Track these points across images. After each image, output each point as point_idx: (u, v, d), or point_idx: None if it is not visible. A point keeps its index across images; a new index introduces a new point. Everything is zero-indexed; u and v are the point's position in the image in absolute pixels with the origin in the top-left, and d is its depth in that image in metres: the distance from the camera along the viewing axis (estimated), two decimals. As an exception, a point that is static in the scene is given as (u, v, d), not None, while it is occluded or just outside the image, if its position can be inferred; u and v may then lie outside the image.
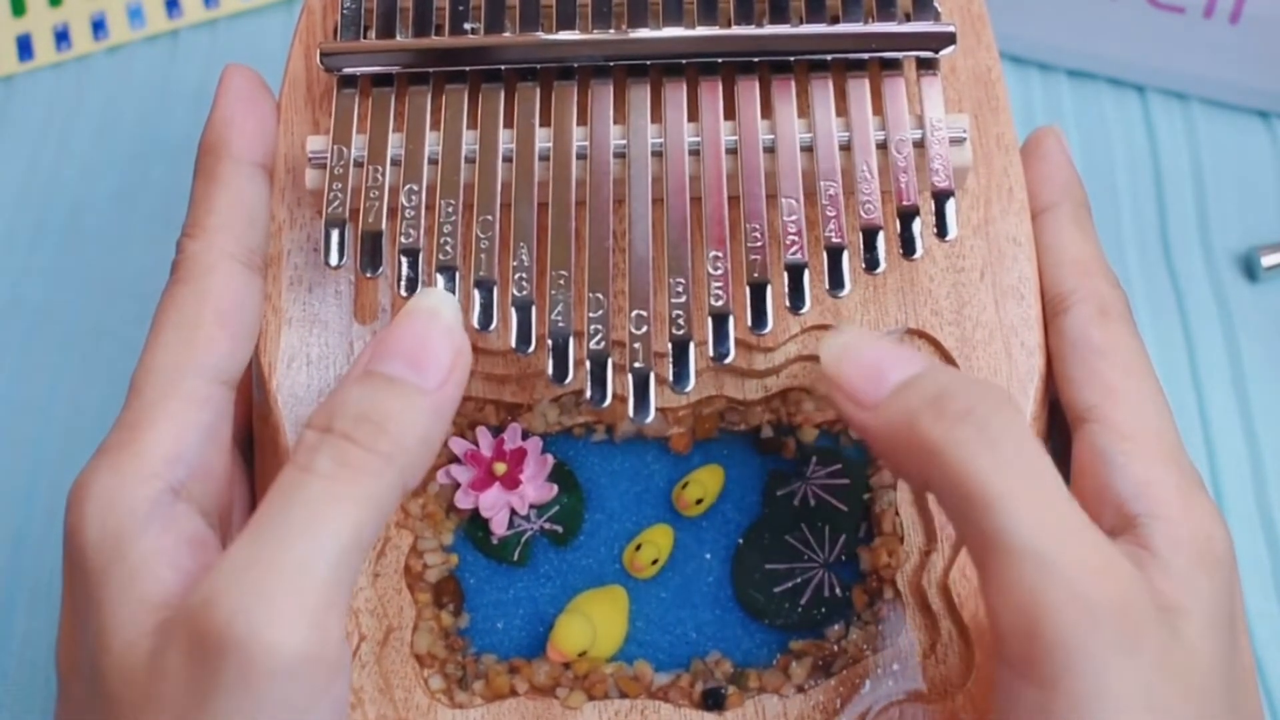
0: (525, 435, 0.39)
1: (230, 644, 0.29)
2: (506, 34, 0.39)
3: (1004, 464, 0.31)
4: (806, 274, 0.36)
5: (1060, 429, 0.38)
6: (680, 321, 0.36)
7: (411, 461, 0.33)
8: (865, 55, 0.39)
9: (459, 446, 0.39)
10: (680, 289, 0.36)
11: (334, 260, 0.37)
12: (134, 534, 0.33)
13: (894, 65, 0.39)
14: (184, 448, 0.34)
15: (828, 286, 0.37)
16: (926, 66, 0.39)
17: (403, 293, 0.36)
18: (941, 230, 0.37)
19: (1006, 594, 0.30)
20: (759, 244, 0.37)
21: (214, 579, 0.30)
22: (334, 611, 0.30)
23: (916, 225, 0.37)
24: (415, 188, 0.37)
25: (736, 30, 0.39)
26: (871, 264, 0.37)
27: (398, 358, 0.33)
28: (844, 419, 0.35)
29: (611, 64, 0.39)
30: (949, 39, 0.39)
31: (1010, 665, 0.30)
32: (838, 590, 0.38)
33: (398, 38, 0.40)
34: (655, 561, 0.39)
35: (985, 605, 0.31)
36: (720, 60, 0.39)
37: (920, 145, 0.38)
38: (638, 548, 0.39)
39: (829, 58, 0.39)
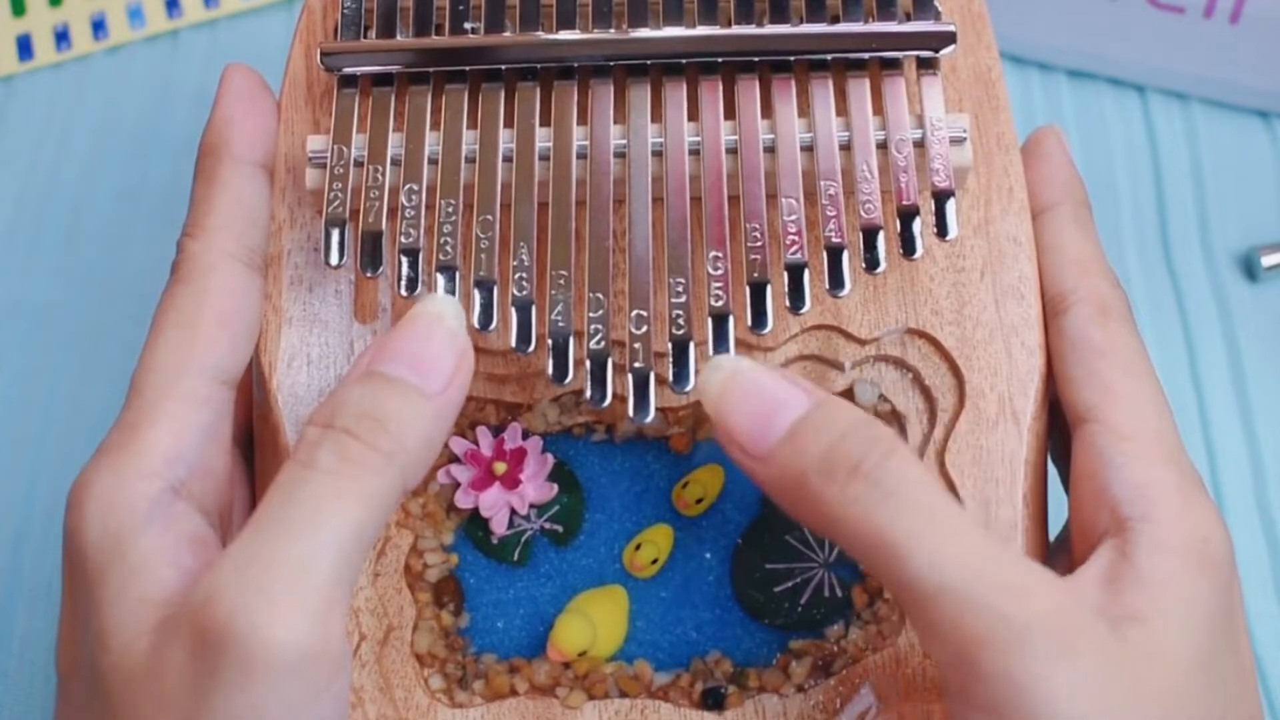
0: (525, 435, 0.39)
1: (231, 640, 0.29)
2: (507, 34, 0.39)
3: (901, 513, 0.31)
4: (806, 274, 0.36)
5: (1060, 429, 0.38)
6: (680, 321, 0.36)
7: (413, 461, 0.33)
8: (865, 55, 0.39)
9: (459, 446, 0.39)
10: (680, 289, 0.36)
11: (334, 260, 0.37)
12: (134, 533, 0.33)
13: (894, 65, 0.39)
14: (184, 447, 0.34)
15: (828, 286, 0.37)
16: (927, 66, 0.39)
17: (403, 293, 0.36)
18: (942, 230, 0.37)
19: (934, 633, 0.31)
20: (759, 244, 0.37)
21: (215, 575, 0.30)
22: (335, 608, 0.30)
23: (917, 225, 0.37)
24: (415, 187, 0.37)
25: (737, 30, 0.39)
26: (872, 264, 0.37)
27: (400, 360, 0.33)
28: (734, 462, 0.34)
29: (612, 63, 0.39)
30: (949, 38, 0.39)
31: (955, 696, 0.31)
32: (838, 590, 0.38)
33: (398, 37, 0.40)
34: (655, 561, 0.39)
35: (921, 645, 0.32)
36: (720, 60, 0.39)
37: (920, 145, 0.38)
38: (638, 547, 0.39)
39: (829, 57, 0.39)
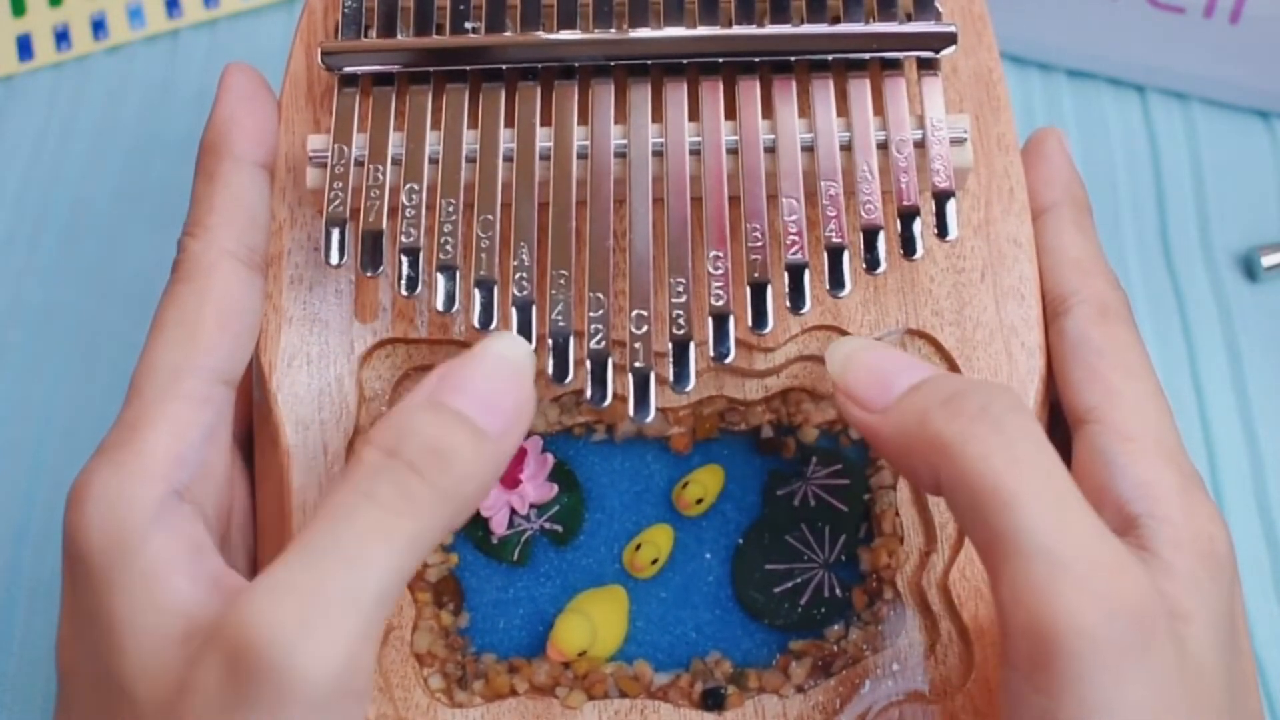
0: (526, 435, 0.39)
1: (268, 668, 0.29)
2: (507, 33, 0.39)
3: (1019, 463, 0.30)
4: (807, 274, 0.36)
5: (1060, 430, 0.38)
6: (681, 321, 0.36)
7: (465, 505, 0.32)
8: (866, 55, 0.39)
9: (459, 446, 0.39)
10: (681, 289, 0.36)
11: (334, 259, 0.37)
12: (141, 536, 0.32)
13: (895, 65, 0.39)
14: (185, 448, 0.34)
15: (828, 286, 0.37)
16: (927, 67, 0.39)
17: (403, 292, 0.36)
18: (942, 230, 0.37)
19: (1017, 595, 0.29)
20: (759, 244, 0.37)
21: (258, 597, 0.29)
22: (370, 644, 0.30)
23: (917, 225, 0.37)
24: (416, 187, 0.37)
25: (737, 30, 0.39)
26: (872, 264, 0.37)
27: (469, 396, 0.32)
28: (852, 425, 0.34)
29: (612, 64, 0.39)
30: (950, 39, 0.39)
31: (1017, 669, 0.30)
32: (838, 590, 0.38)
33: (399, 37, 0.40)
34: (655, 561, 0.39)
35: (996, 606, 0.31)
36: (721, 60, 0.39)
37: (921, 145, 0.38)
38: (638, 547, 0.39)
39: (830, 58, 0.39)
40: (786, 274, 0.36)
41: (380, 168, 0.38)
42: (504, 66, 0.39)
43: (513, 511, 0.39)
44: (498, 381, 0.33)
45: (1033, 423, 0.31)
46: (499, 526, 0.39)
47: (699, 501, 0.39)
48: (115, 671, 0.32)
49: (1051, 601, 0.29)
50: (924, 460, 0.32)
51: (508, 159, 0.38)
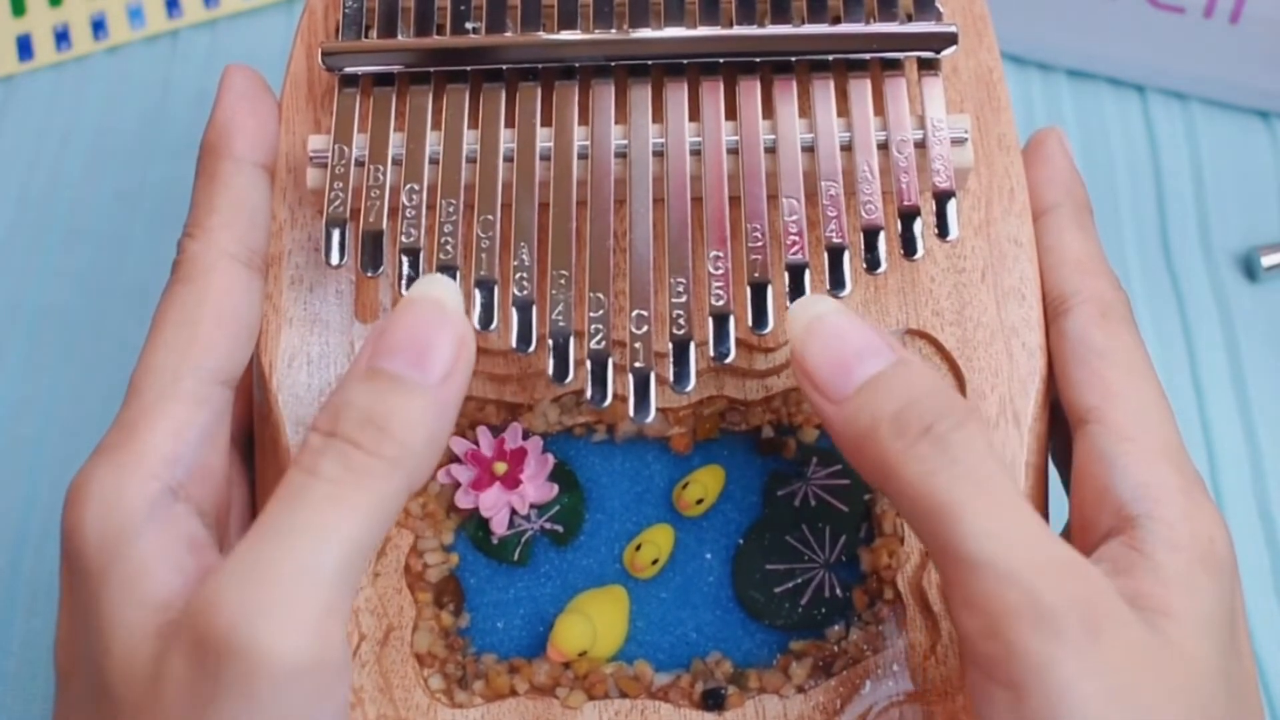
0: (526, 435, 0.39)
1: (233, 650, 0.29)
2: (508, 34, 0.39)
3: (962, 479, 0.31)
4: (807, 274, 0.36)
5: (1061, 430, 0.38)
6: (681, 321, 0.36)
7: (418, 463, 0.32)
8: (867, 55, 0.39)
9: (459, 446, 0.39)
10: (681, 289, 0.36)
11: (335, 259, 0.37)
12: (133, 534, 0.33)
13: (895, 65, 0.39)
14: (183, 448, 0.34)
15: (828, 286, 0.37)
16: (928, 67, 0.39)
17: (404, 292, 0.36)
18: (942, 231, 0.37)
19: (967, 602, 0.31)
20: (760, 244, 0.37)
21: (217, 584, 0.30)
22: (337, 617, 0.30)
23: (918, 225, 0.37)
24: (416, 187, 0.37)
25: (738, 30, 0.39)
26: (872, 264, 0.37)
27: (400, 353, 0.33)
28: (806, 399, 0.35)
29: (613, 64, 0.39)
30: (950, 39, 0.39)
31: (979, 667, 0.31)
32: (838, 591, 0.38)
33: (399, 37, 0.40)
34: (655, 561, 0.39)
35: (950, 612, 0.32)
36: (721, 60, 0.39)
37: (921, 145, 0.38)
38: (638, 548, 0.39)
39: (830, 58, 0.39)
40: (787, 274, 0.36)
41: (381, 168, 0.38)
42: (504, 67, 0.39)
43: (513, 512, 0.39)
44: (428, 329, 0.33)
45: (980, 435, 0.32)
46: (499, 527, 0.39)
47: (699, 502, 0.39)
48: (103, 669, 0.32)
49: (997, 606, 0.30)
50: (871, 468, 0.33)
51: (508, 159, 0.38)
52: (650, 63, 0.39)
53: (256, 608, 0.29)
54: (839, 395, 0.33)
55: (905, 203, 0.37)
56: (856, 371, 0.33)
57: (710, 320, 0.36)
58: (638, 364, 0.36)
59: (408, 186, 0.37)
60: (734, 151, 0.38)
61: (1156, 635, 0.31)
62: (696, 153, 0.38)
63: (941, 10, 0.39)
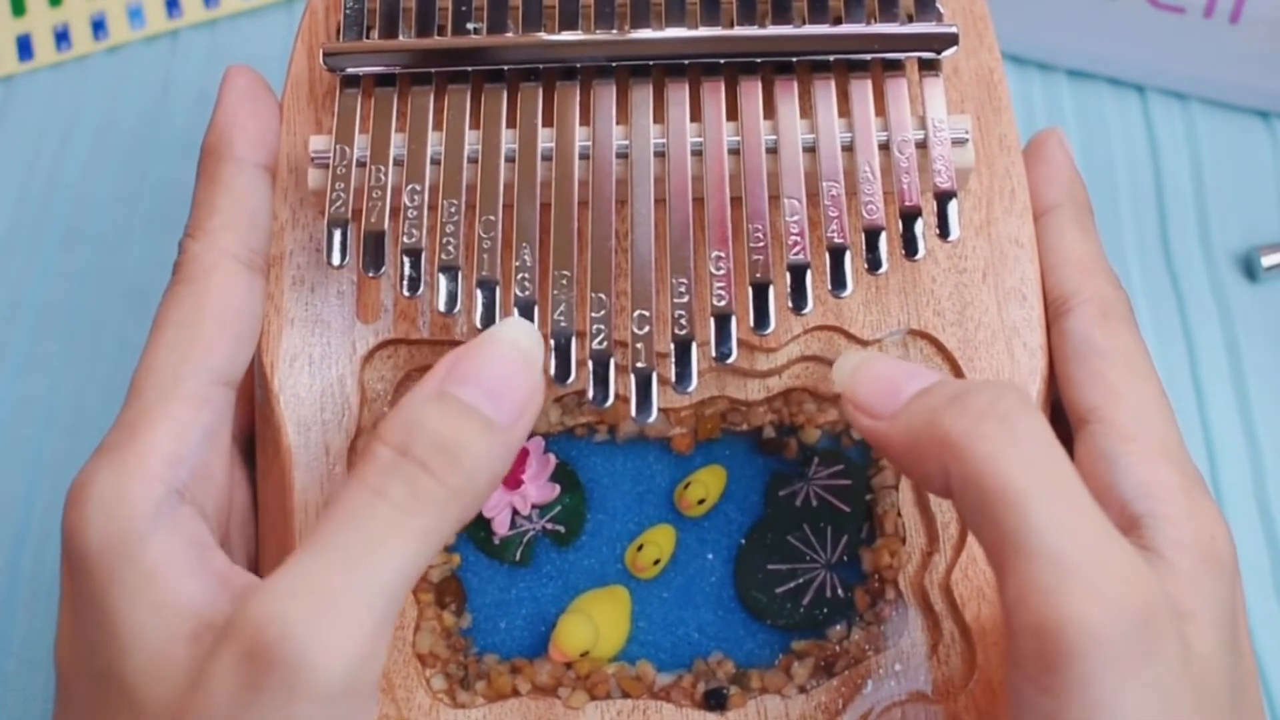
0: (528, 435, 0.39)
1: (281, 663, 0.29)
2: (509, 34, 0.39)
3: (1028, 462, 0.30)
4: (809, 274, 0.36)
5: (1062, 430, 0.38)
6: (682, 321, 0.36)
7: (476, 500, 0.32)
8: (868, 56, 0.39)
9: (461, 447, 0.39)
10: (682, 289, 0.36)
11: (336, 260, 0.37)
12: (140, 536, 0.33)
13: (896, 66, 0.39)
14: (185, 448, 0.34)
15: (830, 287, 0.37)
16: (929, 67, 0.39)
17: (405, 292, 0.36)
18: (944, 231, 0.37)
19: (1024, 596, 0.29)
20: (761, 244, 0.37)
21: (272, 595, 0.30)
22: (380, 642, 0.30)
23: (919, 226, 0.37)
24: (418, 187, 0.37)
25: (739, 31, 0.39)
26: (874, 264, 0.37)
27: (476, 386, 0.32)
28: (862, 435, 0.34)
29: (614, 64, 0.39)
30: (951, 40, 0.39)
31: (1021, 669, 0.30)
32: (840, 591, 0.38)
33: (400, 38, 0.40)
34: (657, 562, 0.39)
35: (1002, 606, 0.30)
36: (723, 61, 0.39)
37: (922, 146, 0.38)
38: (640, 548, 0.39)
39: (831, 58, 0.39)
40: (788, 274, 0.36)
41: (382, 168, 0.38)
42: (506, 67, 0.39)
43: (515, 512, 0.39)
44: (507, 368, 0.33)
45: (1040, 421, 0.31)
46: (501, 527, 0.39)
47: (701, 502, 0.39)
48: (117, 672, 0.32)
49: (1059, 603, 0.29)
50: (934, 460, 0.32)
51: (509, 159, 0.38)
52: (651, 63, 0.39)
53: (310, 624, 0.29)
54: (889, 410, 0.33)
55: (906, 203, 0.37)
56: (905, 389, 0.33)
57: (712, 320, 0.36)
58: (639, 364, 0.36)
59: (409, 187, 0.37)
60: (735, 152, 0.38)
61: (1189, 645, 0.30)
62: (698, 153, 0.38)
63: (942, 11, 0.39)
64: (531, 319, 0.36)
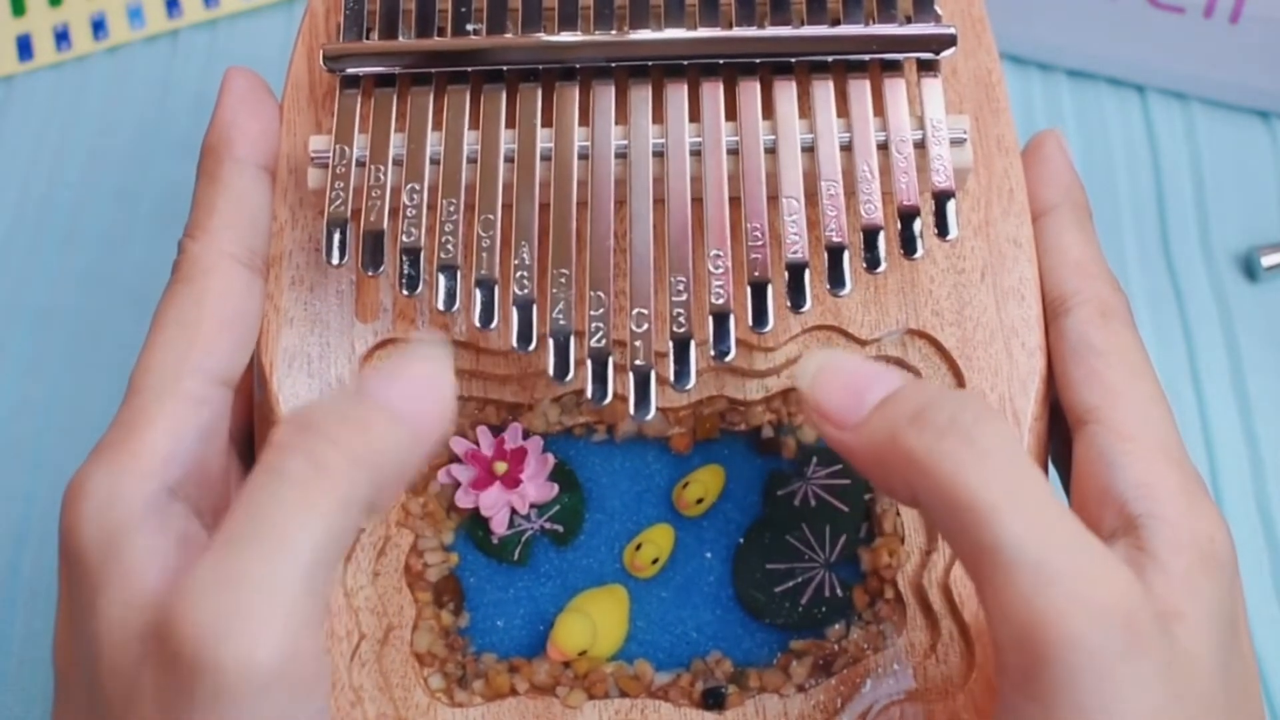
0: (526, 434, 0.39)
1: (202, 664, 0.28)
2: (508, 35, 0.39)
3: (994, 474, 0.30)
4: (807, 273, 0.36)
5: (1061, 430, 0.38)
6: (681, 320, 0.36)
7: (385, 479, 0.31)
8: (866, 57, 0.39)
9: (459, 446, 0.39)
10: (681, 288, 0.36)
11: (335, 259, 0.37)
12: (129, 533, 0.32)
13: (895, 66, 0.39)
14: (181, 447, 0.34)
15: (828, 286, 0.37)
16: (927, 68, 0.39)
17: (404, 292, 0.37)
18: (942, 230, 0.37)
19: (1005, 606, 0.29)
20: (760, 243, 0.37)
21: (183, 594, 0.29)
22: (307, 625, 0.29)
23: (917, 225, 0.37)
24: (417, 187, 0.37)
25: (738, 31, 0.39)
26: (872, 264, 0.37)
27: (377, 380, 0.32)
28: (826, 441, 0.34)
29: (613, 65, 0.39)
30: (949, 41, 0.39)
31: (1009, 678, 0.30)
32: (838, 590, 0.38)
33: (400, 39, 0.40)
34: (656, 561, 0.39)
35: (986, 617, 0.30)
36: (721, 61, 0.39)
37: (921, 146, 0.38)
38: (638, 547, 0.39)
39: (830, 59, 0.39)
40: (787, 273, 0.36)
41: (381, 168, 0.38)
42: (505, 68, 0.39)
43: (513, 511, 0.39)
44: (415, 377, 0.32)
45: (1004, 428, 0.31)
46: (499, 526, 0.39)
47: (699, 501, 0.39)
48: (95, 669, 0.31)
49: (1039, 611, 0.29)
50: (899, 477, 0.32)
51: (509, 159, 0.38)
52: (650, 64, 0.39)
53: (224, 620, 0.28)
54: (853, 420, 0.33)
55: (905, 203, 0.37)
56: (868, 395, 0.33)
57: (710, 319, 0.36)
58: (638, 363, 0.36)
59: (408, 186, 0.37)
60: (734, 152, 0.38)
61: (1177, 645, 0.30)
62: (696, 153, 0.38)
63: (940, 12, 0.40)
64: (530, 317, 0.36)
